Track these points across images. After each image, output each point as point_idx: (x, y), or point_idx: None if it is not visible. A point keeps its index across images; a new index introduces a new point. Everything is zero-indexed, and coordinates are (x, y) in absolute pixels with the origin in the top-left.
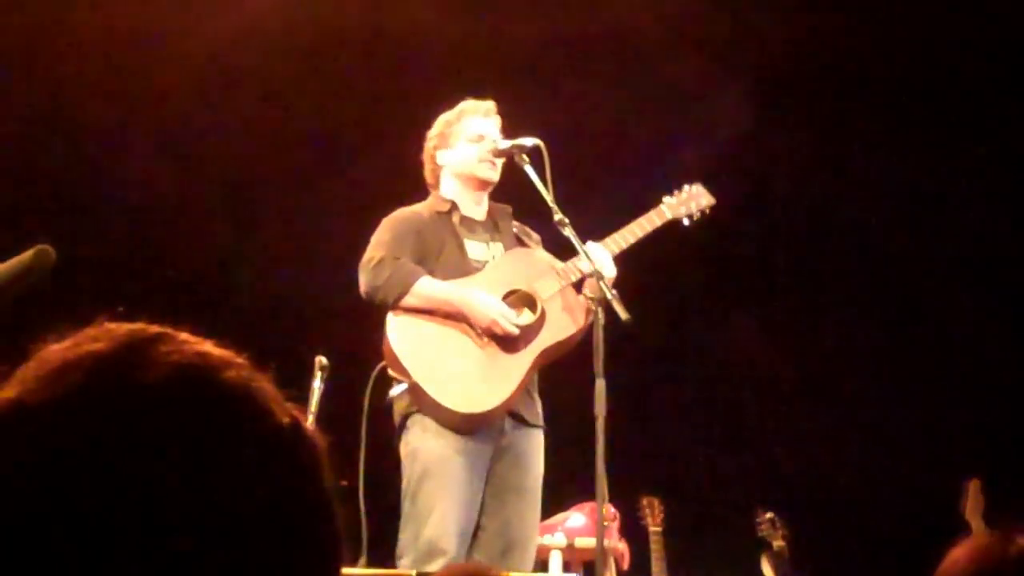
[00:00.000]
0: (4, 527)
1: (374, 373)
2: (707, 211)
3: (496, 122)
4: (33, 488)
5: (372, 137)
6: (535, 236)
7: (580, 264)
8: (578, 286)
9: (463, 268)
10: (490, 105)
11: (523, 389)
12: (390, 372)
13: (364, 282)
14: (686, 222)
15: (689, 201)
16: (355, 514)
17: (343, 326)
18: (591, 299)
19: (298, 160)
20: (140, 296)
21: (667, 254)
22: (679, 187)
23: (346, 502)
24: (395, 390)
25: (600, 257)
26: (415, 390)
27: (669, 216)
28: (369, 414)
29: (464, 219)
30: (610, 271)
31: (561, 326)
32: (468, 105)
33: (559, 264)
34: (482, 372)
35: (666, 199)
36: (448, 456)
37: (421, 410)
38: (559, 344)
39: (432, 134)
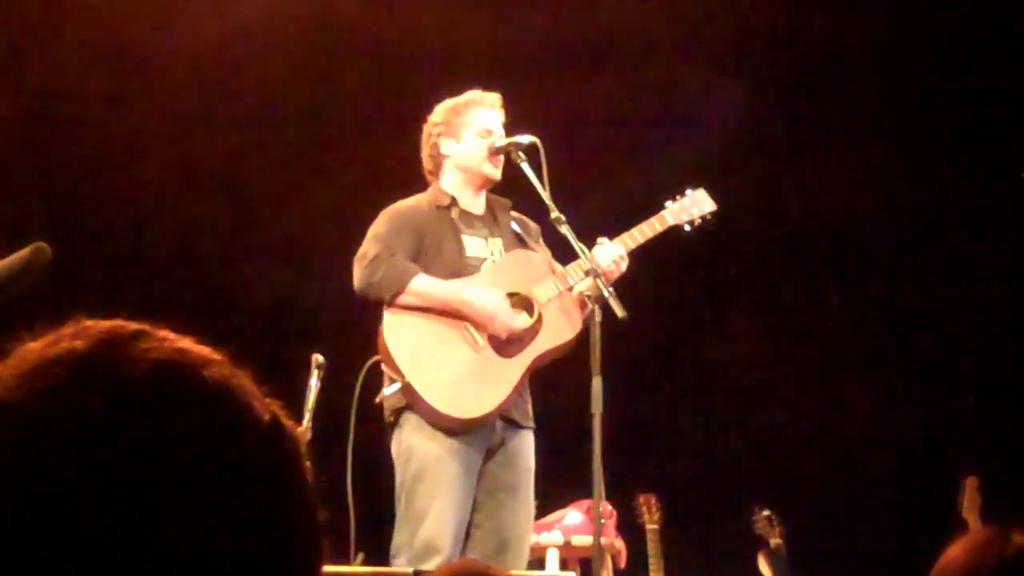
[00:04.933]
0: None
1: (366, 366)
2: (708, 217)
3: (500, 116)
4: (13, 487)
5: (370, 134)
6: (533, 227)
7: (578, 265)
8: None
9: (460, 265)
10: (496, 97)
11: (517, 394)
12: (384, 369)
13: (358, 277)
14: (687, 228)
15: (691, 207)
16: (343, 511)
17: (340, 324)
18: (589, 297)
19: (295, 156)
20: (136, 295)
21: (665, 253)
22: (682, 192)
23: (333, 498)
24: (388, 389)
25: (612, 252)
26: (408, 391)
27: (671, 222)
28: (360, 410)
29: (463, 213)
30: (622, 266)
31: (557, 331)
32: (476, 95)
33: (558, 267)
34: (477, 376)
35: (668, 204)
36: (443, 456)
37: (413, 409)
38: (555, 349)
39: (436, 120)
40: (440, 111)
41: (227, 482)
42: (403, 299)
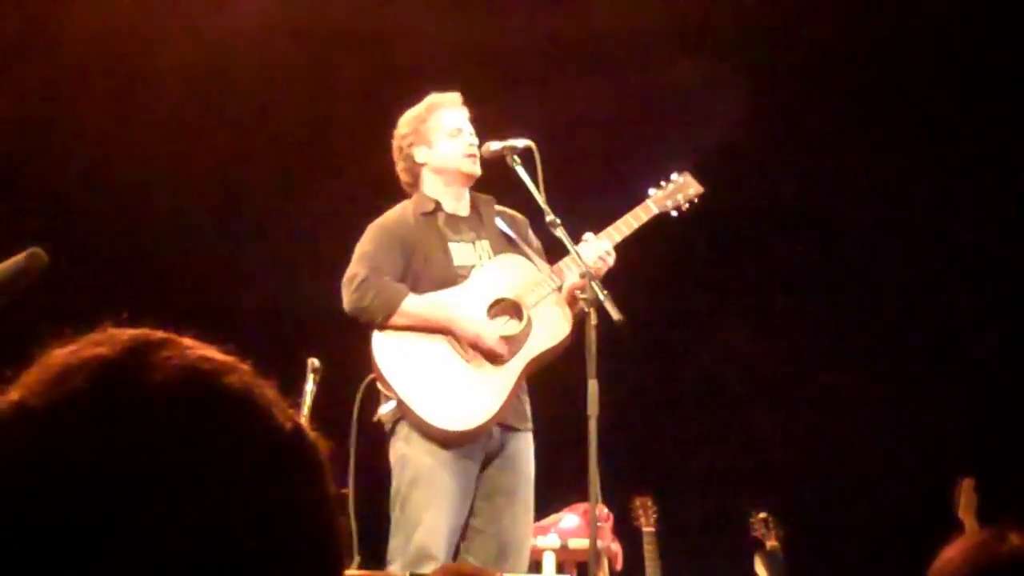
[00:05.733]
0: (4, 529)
1: (363, 384)
2: (696, 200)
3: (465, 113)
4: (35, 490)
5: (366, 141)
6: (521, 220)
7: (569, 266)
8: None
9: (449, 275)
10: (456, 96)
11: (512, 400)
12: (379, 387)
13: (348, 301)
14: (674, 214)
15: (676, 192)
16: (346, 520)
17: (336, 331)
18: (583, 300)
19: (292, 163)
20: (134, 300)
21: (662, 255)
22: (666, 178)
23: (341, 509)
24: (384, 407)
25: (598, 248)
26: (403, 408)
27: (655, 211)
28: (359, 423)
29: (449, 218)
30: (610, 261)
31: (548, 333)
32: (436, 98)
33: (545, 268)
34: (470, 387)
35: (652, 192)
36: (435, 466)
37: (409, 421)
38: (547, 352)
39: (404, 132)
40: (405, 122)
41: (248, 489)
42: (394, 320)
